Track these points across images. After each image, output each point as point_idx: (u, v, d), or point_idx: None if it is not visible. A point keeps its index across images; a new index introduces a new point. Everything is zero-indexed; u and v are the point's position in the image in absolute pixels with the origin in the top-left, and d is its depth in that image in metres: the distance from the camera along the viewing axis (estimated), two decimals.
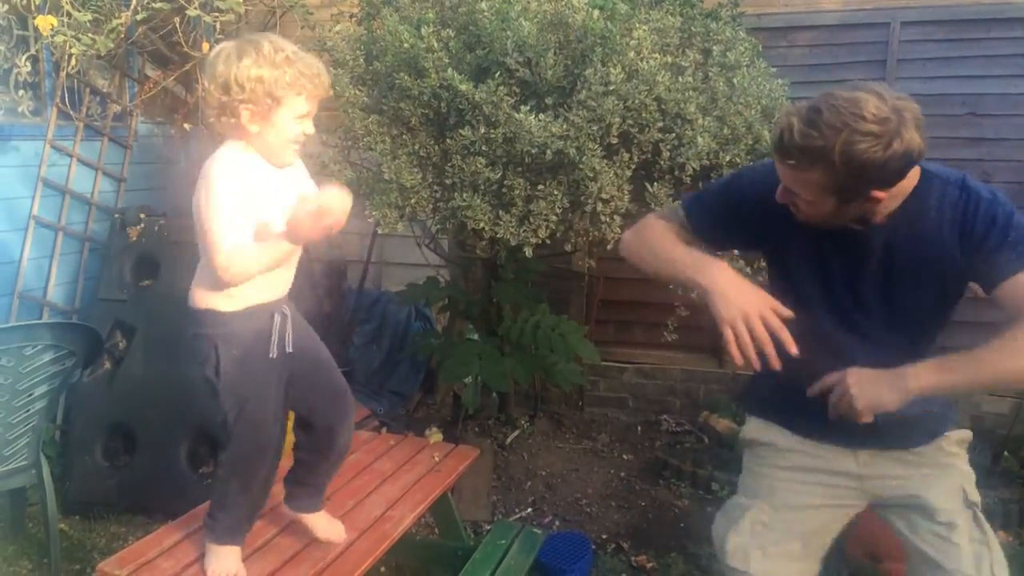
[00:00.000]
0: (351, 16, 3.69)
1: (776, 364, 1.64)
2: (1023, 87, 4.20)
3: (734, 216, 1.89)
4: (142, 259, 3.93)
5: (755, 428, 2.07)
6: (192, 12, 3.63)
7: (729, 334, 1.64)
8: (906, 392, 1.61)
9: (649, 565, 3.33)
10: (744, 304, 1.65)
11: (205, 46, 3.96)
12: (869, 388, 1.64)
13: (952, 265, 1.71)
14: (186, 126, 4.71)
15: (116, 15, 3.67)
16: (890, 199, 1.68)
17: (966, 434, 1.93)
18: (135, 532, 3.35)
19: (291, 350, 2.08)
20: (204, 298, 2.02)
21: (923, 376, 1.62)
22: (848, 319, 1.83)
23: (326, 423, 2.22)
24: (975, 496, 1.87)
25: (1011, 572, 3.08)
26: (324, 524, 2.31)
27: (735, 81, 3.05)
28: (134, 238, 3.95)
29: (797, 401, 1.81)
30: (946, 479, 1.87)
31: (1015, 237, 1.64)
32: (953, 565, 1.81)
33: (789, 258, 1.87)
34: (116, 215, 4.14)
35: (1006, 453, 4.04)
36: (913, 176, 1.70)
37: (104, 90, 4.47)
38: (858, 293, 1.80)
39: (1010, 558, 3.32)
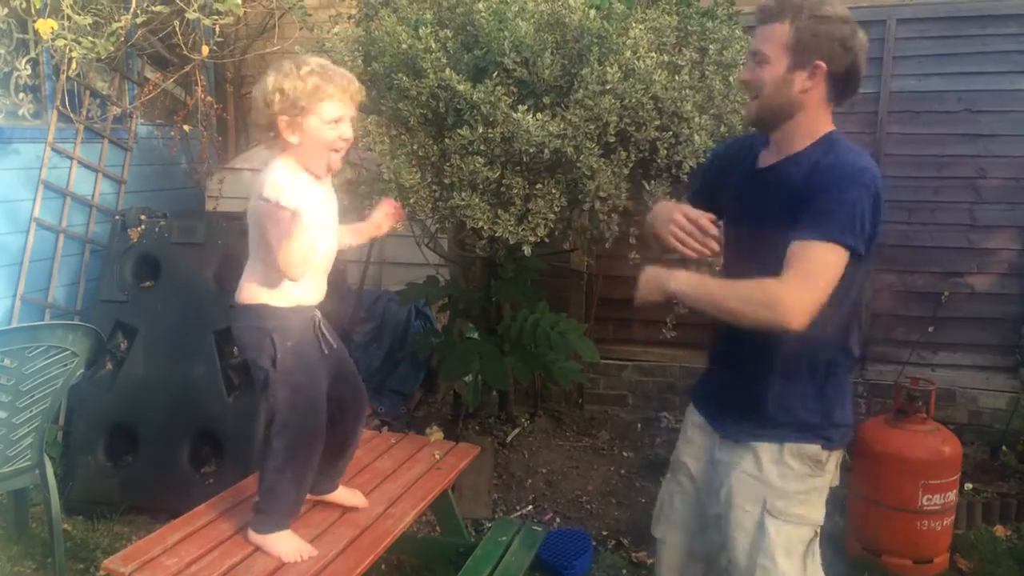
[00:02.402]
0: (349, 17, 3.70)
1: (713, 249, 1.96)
2: (1019, 83, 4.22)
3: (707, 177, 2.22)
4: (143, 260, 3.95)
5: (688, 409, 2.28)
6: (191, 15, 3.65)
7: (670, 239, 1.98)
8: (664, 291, 1.89)
9: (649, 561, 3.34)
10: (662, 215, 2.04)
11: (204, 49, 3.98)
12: (647, 281, 1.94)
13: (797, 210, 1.82)
14: (185, 128, 4.73)
15: (116, 18, 3.69)
16: (808, 124, 1.88)
17: (811, 449, 1.94)
18: (138, 531, 3.37)
19: (335, 345, 2.32)
20: (257, 294, 2.18)
21: (678, 283, 1.87)
22: (747, 256, 1.96)
23: (351, 418, 2.44)
24: (779, 508, 1.93)
25: (1010, 566, 3.11)
26: (346, 495, 2.52)
27: (731, 79, 3.08)
28: (135, 239, 3.96)
29: (705, 380, 2.23)
30: (756, 485, 1.96)
31: (827, 208, 1.76)
32: (732, 557, 2.00)
33: (725, 204, 2.07)
34: (117, 217, 4.15)
35: (1004, 448, 4.06)
36: (823, 124, 1.90)
37: (104, 92, 4.48)
38: (744, 244, 1.97)
39: (1008, 552, 3.37)
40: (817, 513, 1.99)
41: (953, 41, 4.28)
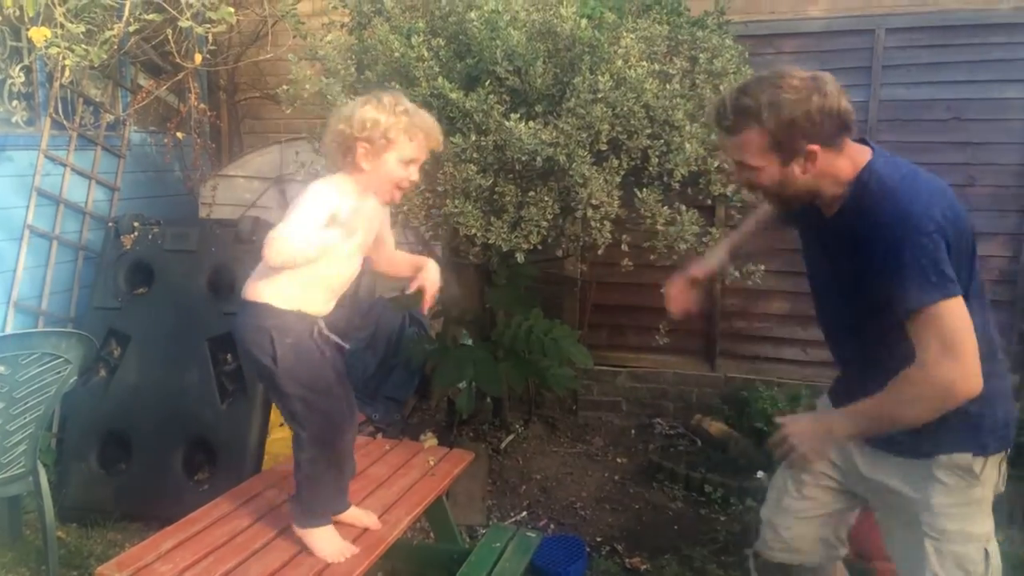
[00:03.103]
0: (342, 26, 3.72)
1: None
2: (1007, 92, 4.24)
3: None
4: (136, 267, 3.96)
5: (819, 404, 2.25)
6: (184, 23, 3.66)
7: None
8: (837, 441, 1.85)
9: (643, 567, 3.35)
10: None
11: (198, 57, 3.99)
12: (808, 442, 1.83)
13: (866, 266, 1.77)
14: (179, 135, 4.74)
15: (109, 26, 3.69)
16: (832, 180, 1.81)
17: (962, 459, 1.84)
18: (131, 538, 3.37)
19: (328, 355, 2.31)
20: (260, 292, 2.21)
21: (843, 427, 1.83)
22: (833, 306, 1.95)
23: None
24: (934, 527, 1.85)
25: (1002, 570, 3.12)
26: (360, 515, 2.51)
27: (722, 88, 3.10)
28: (128, 246, 3.97)
29: (839, 384, 2.12)
30: (907, 505, 1.90)
31: (900, 278, 1.68)
32: None
33: (803, 250, 2.07)
34: (110, 224, 4.16)
35: None
36: (852, 162, 1.81)
37: (97, 100, 4.49)
38: (832, 284, 1.93)
39: (1003, 556, 3.38)
40: (981, 527, 1.87)
41: (942, 50, 4.30)
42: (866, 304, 1.82)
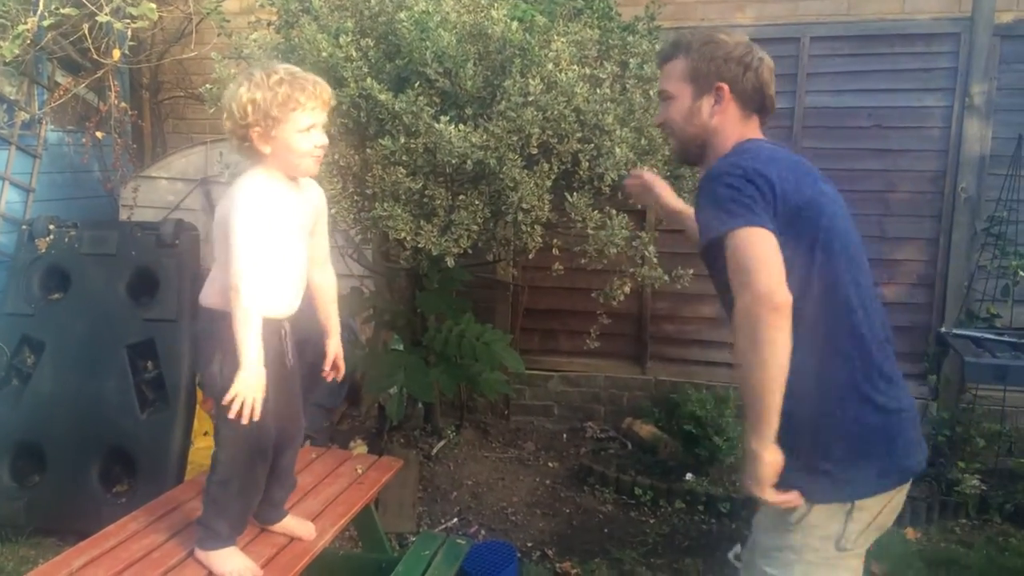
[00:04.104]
0: (269, 24, 3.64)
1: None
2: (925, 100, 4.38)
3: None
4: (51, 271, 3.80)
5: None
6: (102, 18, 3.53)
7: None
8: (763, 457, 1.60)
9: (573, 571, 3.35)
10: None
11: (116, 53, 3.86)
12: (753, 482, 1.63)
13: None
14: (98, 135, 4.59)
15: (23, 20, 3.55)
16: (722, 141, 1.85)
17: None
18: (45, 554, 3.24)
19: (292, 364, 2.28)
20: (218, 299, 2.10)
21: (753, 439, 1.61)
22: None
23: (283, 440, 2.34)
24: (755, 565, 1.76)
25: (920, 568, 3.19)
26: (295, 525, 2.45)
27: (652, 93, 3.12)
28: (43, 250, 3.81)
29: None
30: (752, 551, 1.81)
31: (712, 206, 1.66)
32: None
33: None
34: (24, 226, 3.99)
35: None
36: (736, 139, 1.85)
37: (11, 97, 4.31)
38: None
39: (919, 554, 3.48)
40: None
41: (864, 59, 4.42)
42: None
